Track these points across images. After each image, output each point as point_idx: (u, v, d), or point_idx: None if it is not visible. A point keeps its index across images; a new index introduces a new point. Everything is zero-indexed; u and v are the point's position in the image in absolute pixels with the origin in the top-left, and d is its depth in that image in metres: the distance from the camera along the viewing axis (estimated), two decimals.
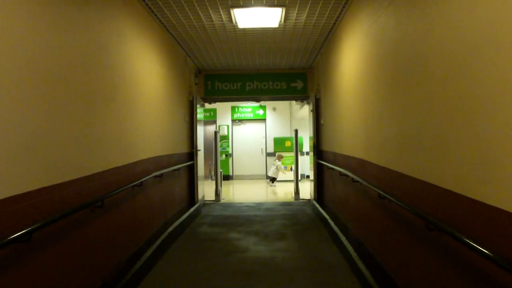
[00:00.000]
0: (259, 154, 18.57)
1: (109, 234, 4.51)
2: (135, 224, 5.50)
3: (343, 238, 6.09)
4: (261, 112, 18.56)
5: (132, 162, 5.29)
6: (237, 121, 18.62)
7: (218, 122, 18.49)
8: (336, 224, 7.00)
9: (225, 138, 18.37)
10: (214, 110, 18.48)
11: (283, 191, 13.71)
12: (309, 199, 10.96)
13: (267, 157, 18.38)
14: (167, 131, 7.53)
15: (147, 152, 6.09)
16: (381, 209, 4.66)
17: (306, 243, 6.65)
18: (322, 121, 9.10)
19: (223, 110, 18.50)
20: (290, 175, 16.77)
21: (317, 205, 8.94)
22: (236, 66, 10.54)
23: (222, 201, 11.30)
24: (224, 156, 17.88)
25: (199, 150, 9.80)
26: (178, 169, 7.98)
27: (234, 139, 18.57)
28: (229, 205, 10.49)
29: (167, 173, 7.34)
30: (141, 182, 5.49)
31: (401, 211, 3.96)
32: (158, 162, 6.72)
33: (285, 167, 16.85)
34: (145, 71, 6.20)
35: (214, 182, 16.06)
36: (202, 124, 10.96)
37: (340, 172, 6.74)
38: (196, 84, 10.57)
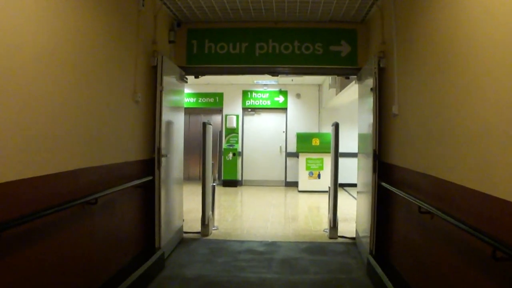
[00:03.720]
0: (277, 153, 14.32)
1: None
2: None
3: None
4: (281, 99, 14.32)
5: None
6: (249, 109, 14.41)
7: (225, 111, 14.35)
8: None
9: (233, 131, 14.18)
10: (220, 96, 14.33)
11: (309, 210, 9.41)
12: (353, 238, 6.68)
13: (287, 158, 14.11)
14: (60, 120, 3.31)
15: None
16: None
17: None
18: (394, 110, 4.77)
19: (232, 95, 14.31)
20: (319, 185, 12.51)
21: (378, 269, 4.63)
22: (239, 13, 6.26)
23: (213, 232, 7.09)
24: (231, 155, 13.70)
25: (164, 156, 5.50)
26: (95, 201, 3.74)
27: (245, 133, 14.36)
28: (221, 247, 6.24)
29: (51, 221, 3.13)
30: None
31: None
32: None
33: (311, 173, 12.60)
34: None
35: (216, 188, 11.88)
36: (182, 111, 6.67)
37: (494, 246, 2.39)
38: (171, 42, 6.30)
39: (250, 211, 9.41)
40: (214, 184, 7.48)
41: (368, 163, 5.51)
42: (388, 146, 5.11)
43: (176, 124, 6.31)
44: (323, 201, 10.77)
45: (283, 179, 14.19)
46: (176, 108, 6.26)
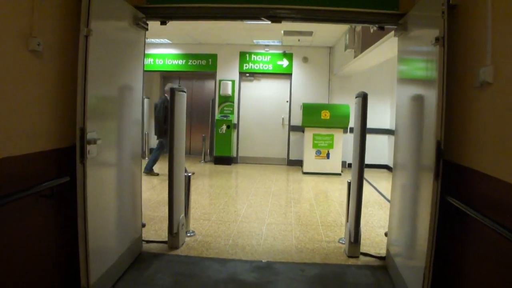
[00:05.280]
0: (279, 127, 12.33)
1: None
2: None
3: None
4: (285, 63, 12.18)
5: None
6: (247, 74, 12.30)
7: (219, 75, 12.25)
8: None
9: (228, 100, 12.15)
10: (214, 57, 12.21)
11: (317, 203, 7.39)
12: (382, 258, 4.69)
13: (291, 133, 12.10)
14: None
15: None
16: None
17: None
18: (484, 76, 2.69)
19: (228, 57, 12.19)
20: (327, 166, 10.57)
21: None
22: None
23: (187, 241, 5.14)
24: (224, 127, 11.68)
25: (93, 142, 3.35)
26: None
27: (242, 103, 12.32)
28: (191, 273, 4.26)
29: None
30: None
31: None
32: None
33: (319, 152, 10.61)
34: None
35: (207, 166, 9.91)
36: (140, 72, 4.56)
37: None
38: None
39: (243, 203, 7.43)
40: (188, 174, 5.45)
41: (420, 156, 3.49)
42: (466, 137, 3.03)
43: (130, 91, 4.27)
44: (334, 188, 8.83)
45: (285, 157, 12.20)
46: (127, 67, 4.19)
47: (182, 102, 5.00)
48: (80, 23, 3.23)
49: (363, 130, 4.66)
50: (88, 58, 3.23)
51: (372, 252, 4.93)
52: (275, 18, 4.31)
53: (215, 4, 4.31)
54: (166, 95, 9.26)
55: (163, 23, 4.67)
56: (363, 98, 4.62)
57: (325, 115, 10.71)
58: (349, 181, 5.17)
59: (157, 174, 9.58)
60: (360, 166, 4.74)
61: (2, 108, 2.61)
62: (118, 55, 3.96)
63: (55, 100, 3.23)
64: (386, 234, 4.70)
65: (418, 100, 3.70)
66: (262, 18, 4.28)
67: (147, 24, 4.52)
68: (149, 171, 9.56)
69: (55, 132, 3.24)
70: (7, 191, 2.58)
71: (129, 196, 4.40)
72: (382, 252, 4.84)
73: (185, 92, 5.08)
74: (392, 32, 4.95)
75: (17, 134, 2.76)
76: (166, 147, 9.24)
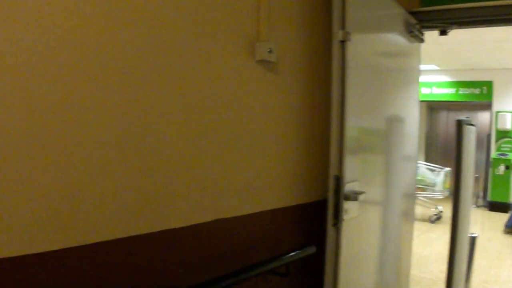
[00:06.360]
0: None
1: None
2: None
3: None
4: None
5: None
6: None
7: (496, 106, 10.41)
8: None
9: (506, 135, 10.17)
10: (489, 85, 10.49)
11: None
12: None
13: None
14: None
15: None
16: None
17: None
18: None
19: (506, 84, 10.36)
20: None
21: None
22: None
23: None
24: (502, 168, 9.77)
25: (353, 198, 2.41)
26: None
27: None
28: None
29: None
30: None
31: None
32: None
33: None
34: None
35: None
36: (416, 98, 3.55)
37: None
38: None
39: None
40: (474, 234, 4.18)
41: None
42: None
43: (401, 124, 3.37)
44: None
45: None
46: (397, 90, 3.29)
47: (470, 139, 3.85)
48: (332, 24, 2.35)
49: None
50: (347, 75, 2.37)
51: None
52: None
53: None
54: None
55: (442, 33, 3.62)
56: None
57: None
58: None
59: None
60: None
61: (211, 151, 1.89)
62: (384, 72, 3.08)
63: (291, 134, 2.38)
64: None
65: None
66: None
67: (423, 34, 3.54)
68: None
69: (291, 181, 2.40)
70: (220, 270, 1.87)
71: (394, 260, 3.43)
72: None
73: (474, 126, 3.90)
74: None
75: (235, 185, 2.01)
76: None
